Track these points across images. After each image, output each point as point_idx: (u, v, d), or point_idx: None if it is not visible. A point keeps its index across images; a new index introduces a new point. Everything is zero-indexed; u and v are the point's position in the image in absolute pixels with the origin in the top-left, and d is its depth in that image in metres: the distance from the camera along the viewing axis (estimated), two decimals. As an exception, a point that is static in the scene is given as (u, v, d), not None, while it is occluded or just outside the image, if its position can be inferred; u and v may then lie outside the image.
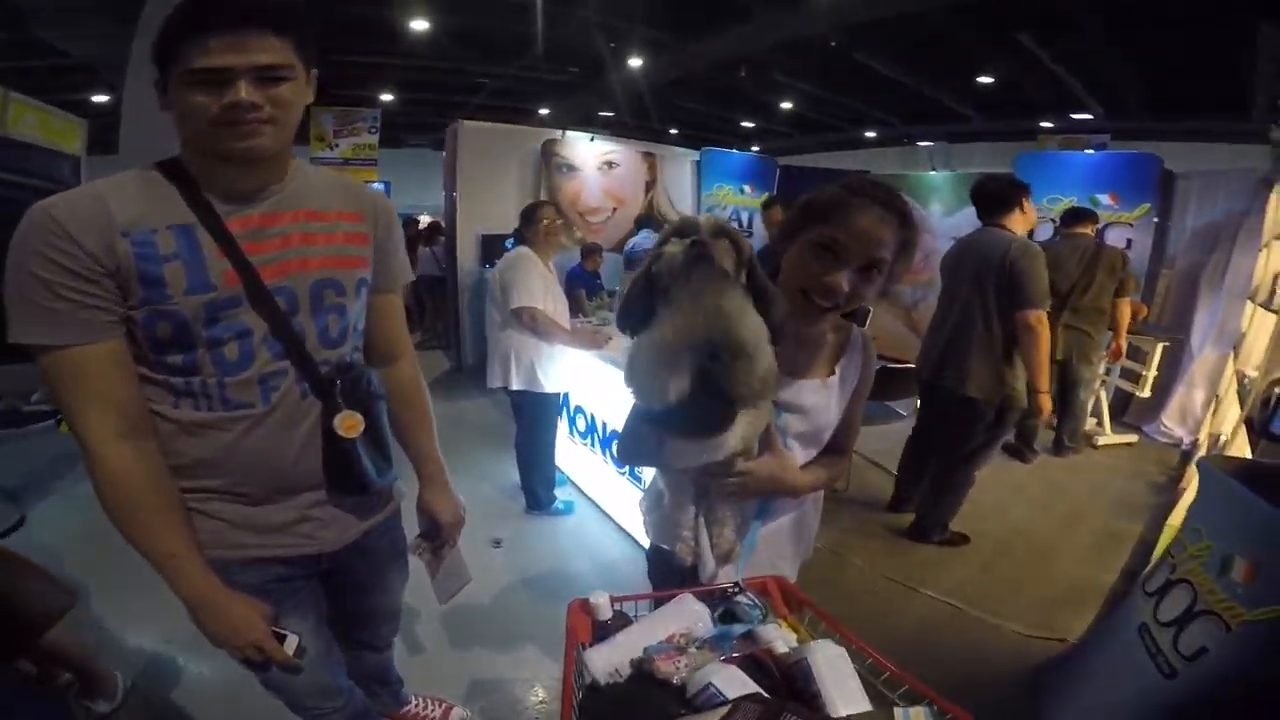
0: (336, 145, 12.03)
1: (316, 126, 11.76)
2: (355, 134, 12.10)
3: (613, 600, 1.02)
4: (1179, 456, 4.14)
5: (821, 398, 1.13)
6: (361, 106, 11.87)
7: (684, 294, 0.89)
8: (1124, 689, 1.63)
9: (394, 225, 1.18)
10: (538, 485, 3.09)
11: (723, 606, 1.01)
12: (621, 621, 1.00)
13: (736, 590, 1.03)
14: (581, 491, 3.38)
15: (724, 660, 0.88)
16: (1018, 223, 2.56)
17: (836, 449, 1.21)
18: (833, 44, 7.30)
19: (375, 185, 12.64)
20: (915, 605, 2.46)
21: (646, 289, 0.93)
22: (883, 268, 1.00)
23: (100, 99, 8.75)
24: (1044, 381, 2.45)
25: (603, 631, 0.98)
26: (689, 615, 0.97)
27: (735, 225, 4.47)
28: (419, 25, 7.41)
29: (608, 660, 0.89)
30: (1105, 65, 6.92)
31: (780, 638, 0.93)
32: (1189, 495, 2.94)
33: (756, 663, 0.89)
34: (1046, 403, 2.50)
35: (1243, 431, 2.18)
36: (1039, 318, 2.38)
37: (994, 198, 2.58)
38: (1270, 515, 1.36)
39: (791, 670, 0.85)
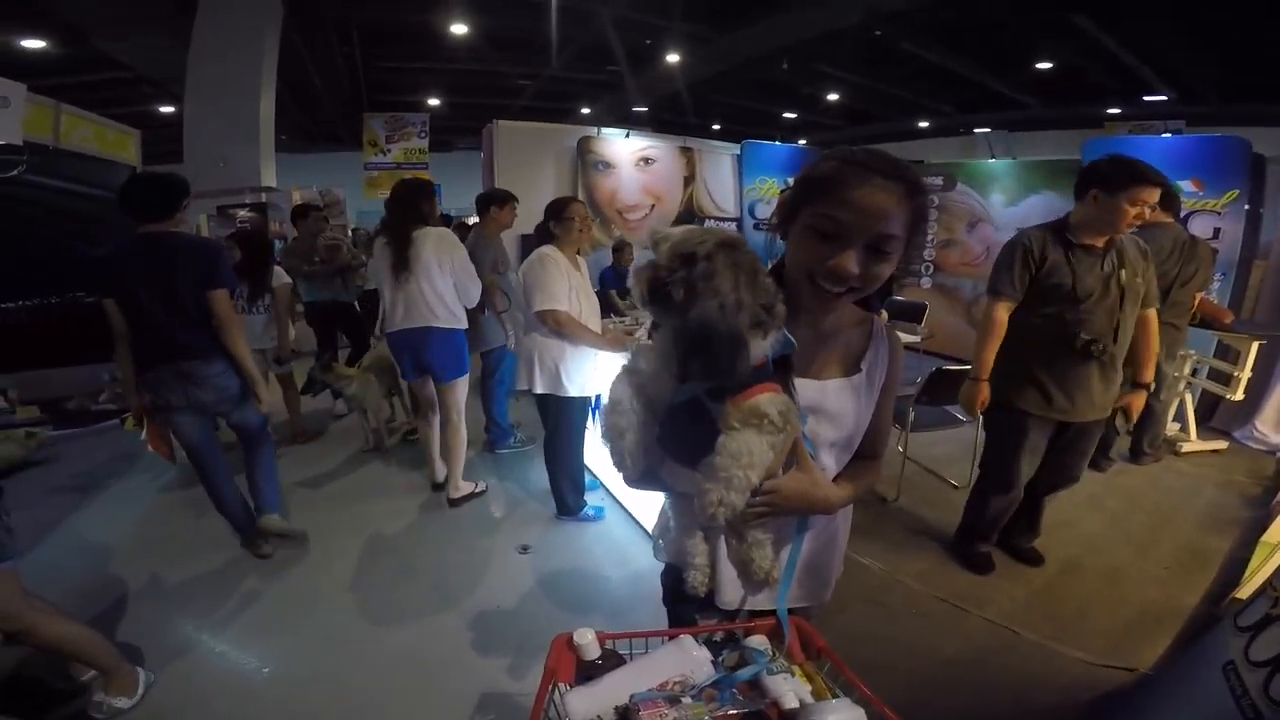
0: (389, 150, 12.34)
1: (369, 132, 12.10)
2: (405, 139, 12.39)
3: (604, 638, 0.91)
4: (1275, 465, 3.72)
5: (849, 399, 1.01)
6: (410, 112, 12.16)
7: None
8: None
9: None
10: (566, 490, 3.00)
11: (728, 650, 0.88)
12: (613, 661, 0.90)
13: (746, 632, 0.90)
14: (613, 497, 3.27)
15: (721, 716, 0.76)
16: (1083, 212, 2.14)
17: (868, 454, 1.07)
18: (877, 33, 7.03)
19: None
20: (968, 629, 2.24)
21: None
22: (894, 244, 0.87)
23: (166, 110, 9.22)
24: (978, 368, 2.31)
25: (589, 671, 0.88)
26: (687, 660, 0.86)
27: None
28: (459, 30, 7.48)
29: (590, 705, 0.80)
30: (1175, 48, 6.43)
31: (792, 689, 0.80)
32: (1292, 512, 2.62)
33: (760, 719, 0.77)
34: (978, 391, 2.30)
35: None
36: (986, 304, 2.31)
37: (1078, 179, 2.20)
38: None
39: (800, 733, 0.73)
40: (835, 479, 1.03)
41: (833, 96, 10.30)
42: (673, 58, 7.78)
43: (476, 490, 3.30)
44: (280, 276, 3.80)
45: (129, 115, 6.34)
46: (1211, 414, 4.34)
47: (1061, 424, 2.29)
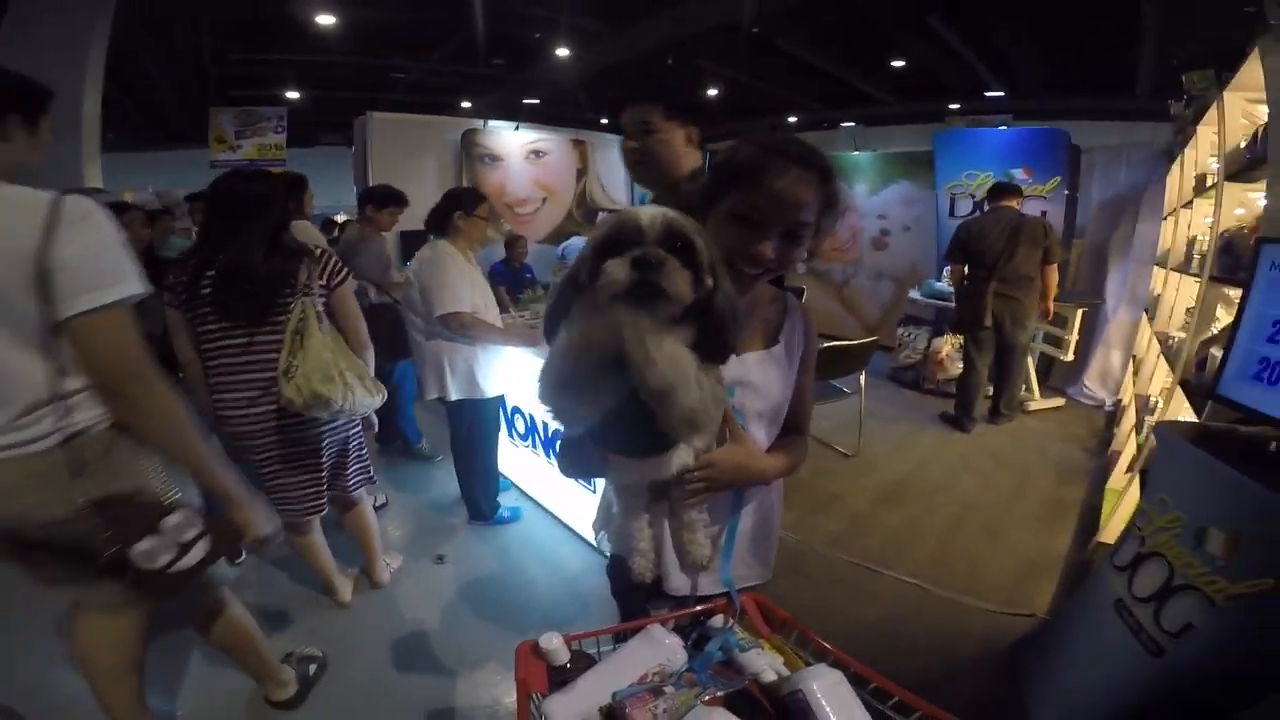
0: (240, 146, 11.26)
1: (215, 128, 10.98)
2: (260, 134, 11.35)
3: (569, 639, 0.88)
4: (1105, 418, 4.32)
5: (771, 370, 1.06)
6: (266, 105, 11.17)
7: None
8: (1109, 668, 1.55)
9: None
10: (480, 495, 2.88)
11: (696, 633, 0.88)
12: (583, 662, 0.87)
13: (708, 614, 0.90)
14: (528, 496, 3.19)
15: (709, 700, 0.75)
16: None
17: (795, 428, 1.14)
18: (754, 30, 7.33)
19: (287, 187, 11.93)
20: (882, 589, 2.41)
21: (572, 298, 0.81)
22: (807, 230, 0.94)
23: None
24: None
25: (561, 676, 0.84)
26: (661, 649, 0.84)
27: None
28: (325, 20, 6.95)
29: (571, 710, 0.77)
30: (1005, 46, 7.19)
31: (767, 664, 0.81)
32: (1124, 458, 3.04)
33: (746, 697, 0.77)
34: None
35: (1179, 394, 2.20)
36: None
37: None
38: (1248, 485, 1.27)
39: (786, 702, 0.74)
40: (766, 452, 1.07)
41: (712, 92, 10.62)
42: (561, 52, 7.67)
43: (376, 504, 3.08)
44: None
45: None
46: (1048, 374, 4.96)
47: None
